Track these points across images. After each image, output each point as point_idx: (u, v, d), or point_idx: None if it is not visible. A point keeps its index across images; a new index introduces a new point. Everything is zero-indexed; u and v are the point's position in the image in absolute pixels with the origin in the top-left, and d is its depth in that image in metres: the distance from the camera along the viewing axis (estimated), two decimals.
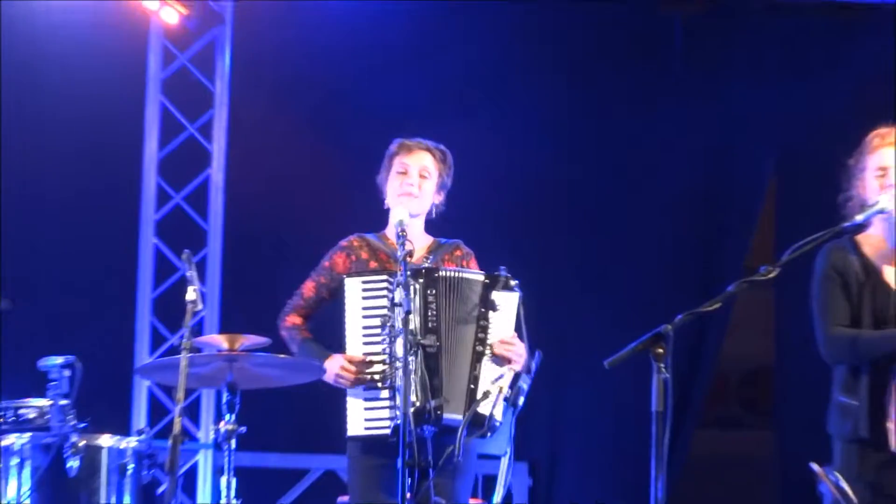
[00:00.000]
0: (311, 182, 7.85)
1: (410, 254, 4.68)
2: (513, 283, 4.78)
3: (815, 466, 4.58)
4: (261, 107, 7.95)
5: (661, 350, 3.74)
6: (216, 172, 7.96)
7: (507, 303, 4.76)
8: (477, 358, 4.71)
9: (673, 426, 3.70)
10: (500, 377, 4.72)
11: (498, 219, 7.73)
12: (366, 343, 4.74)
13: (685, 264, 7.88)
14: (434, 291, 4.72)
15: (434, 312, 4.71)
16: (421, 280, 4.73)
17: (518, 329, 4.78)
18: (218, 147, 7.97)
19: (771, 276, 4.01)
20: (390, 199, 5.01)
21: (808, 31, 7.81)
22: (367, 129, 7.17)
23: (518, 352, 4.75)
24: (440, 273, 4.78)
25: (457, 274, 4.79)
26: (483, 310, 4.74)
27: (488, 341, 4.73)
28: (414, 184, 4.97)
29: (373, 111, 7.62)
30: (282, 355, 4.84)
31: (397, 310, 4.56)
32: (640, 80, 7.88)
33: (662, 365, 3.71)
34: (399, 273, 4.60)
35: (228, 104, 7.98)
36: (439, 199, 5.05)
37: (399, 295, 4.55)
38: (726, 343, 8.04)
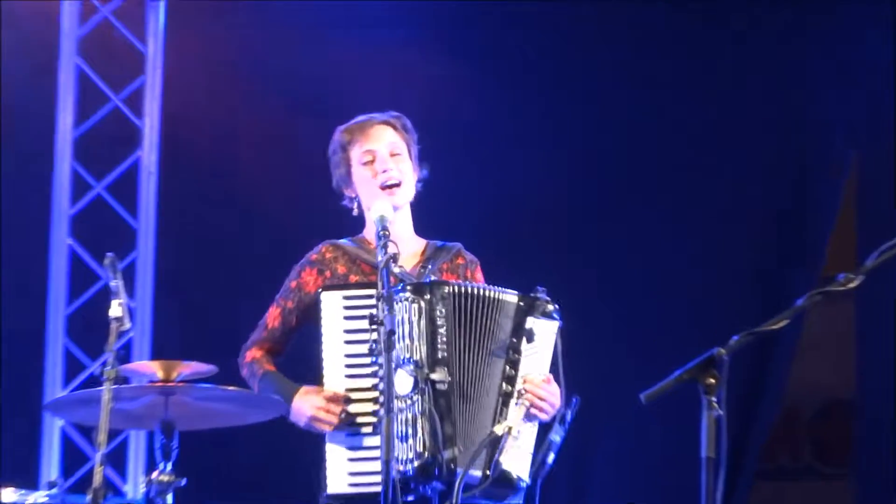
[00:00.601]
0: (268, 169, 7.85)
1: (395, 258, 4.58)
2: (551, 308, 4.75)
3: None
4: (203, 73, 7.95)
5: (712, 380, 3.74)
6: (147, 155, 7.97)
7: (546, 333, 4.73)
8: (504, 401, 4.65)
9: (727, 476, 3.71)
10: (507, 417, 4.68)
11: (503, 223, 7.75)
12: (349, 376, 4.70)
13: (743, 274, 7.90)
14: (444, 312, 4.65)
15: (444, 339, 4.64)
16: (426, 297, 4.65)
17: (554, 367, 4.74)
18: (150, 123, 7.97)
19: (851, 285, 4.01)
20: (366, 198, 4.96)
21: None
22: (339, 108, 7.16)
23: (552, 401, 4.70)
24: (452, 288, 4.69)
25: (478, 291, 4.71)
26: (515, 340, 4.69)
27: (518, 379, 4.68)
28: (391, 168, 4.95)
29: (348, 90, 7.62)
30: (231, 387, 4.83)
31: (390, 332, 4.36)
32: (695, 74, 7.98)
33: (714, 399, 3.72)
34: (384, 285, 4.45)
35: (163, 69, 7.98)
36: (418, 175, 5.03)
37: (390, 311, 4.37)
38: (795, 371, 8.07)
